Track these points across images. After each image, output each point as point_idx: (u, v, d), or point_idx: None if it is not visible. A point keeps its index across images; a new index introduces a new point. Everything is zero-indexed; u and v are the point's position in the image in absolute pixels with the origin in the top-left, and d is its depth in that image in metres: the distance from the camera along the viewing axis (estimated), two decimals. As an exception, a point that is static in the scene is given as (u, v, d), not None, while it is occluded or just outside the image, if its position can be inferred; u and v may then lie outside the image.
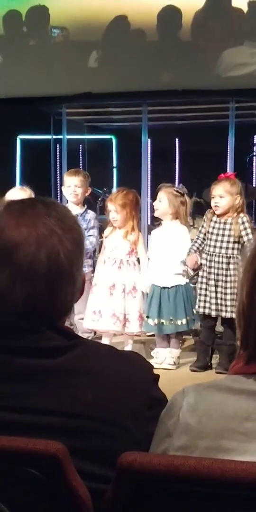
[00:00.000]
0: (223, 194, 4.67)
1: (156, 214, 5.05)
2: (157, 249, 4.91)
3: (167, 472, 1.04)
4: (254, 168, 7.56)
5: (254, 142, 7.44)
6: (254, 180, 7.55)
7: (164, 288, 4.82)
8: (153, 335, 5.11)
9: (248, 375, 1.19)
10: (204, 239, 4.80)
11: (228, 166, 6.52)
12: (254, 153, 7.31)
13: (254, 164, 7.53)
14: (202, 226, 4.85)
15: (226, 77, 6.18)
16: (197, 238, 4.85)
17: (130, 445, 1.11)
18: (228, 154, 6.57)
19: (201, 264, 4.79)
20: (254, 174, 7.57)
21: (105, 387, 1.25)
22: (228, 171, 6.09)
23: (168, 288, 4.81)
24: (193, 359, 4.85)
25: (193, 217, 6.19)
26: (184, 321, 4.78)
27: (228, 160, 6.57)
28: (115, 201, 4.89)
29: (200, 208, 6.23)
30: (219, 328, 4.89)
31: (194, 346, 5.11)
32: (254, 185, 7.30)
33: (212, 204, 4.74)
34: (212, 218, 4.76)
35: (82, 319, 4.97)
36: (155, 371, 1.37)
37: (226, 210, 4.69)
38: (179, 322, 4.78)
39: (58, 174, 7.46)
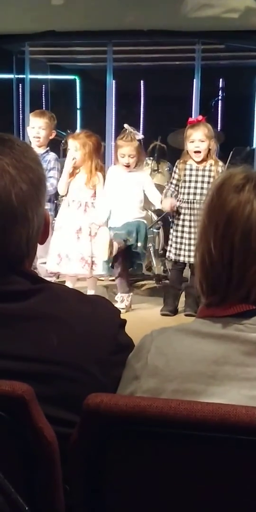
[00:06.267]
0: (203, 138, 4.59)
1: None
2: (119, 194, 4.86)
3: (134, 413, 1.04)
4: (219, 113, 7.53)
5: (220, 86, 7.39)
6: (219, 124, 7.53)
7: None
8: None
9: (215, 318, 1.19)
10: (175, 189, 4.75)
11: (193, 110, 6.46)
12: (220, 97, 7.27)
13: (219, 108, 7.50)
14: (173, 178, 4.78)
15: (192, 17, 6.07)
16: (169, 188, 4.79)
17: (95, 390, 1.10)
18: (194, 98, 6.52)
19: (177, 209, 4.72)
20: (219, 119, 7.54)
21: (70, 332, 1.22)
22: (193, 115, 6.05)
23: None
24: (159, 302, 4.85)
25: (157, 161, 6.15)
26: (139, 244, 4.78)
27: (193, 103, 6.52)
28: (76, 138, 4.84)
29: (164, 152, 6.19)
30: (185, 272, 4.91)
31: (153, 290, 5.09)
32: (219, 130, 7.27)
33: (192, 148, 4.62)
34: (185, 167, 4.68)
35: (44, 263, 4.93)
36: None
37: (205, 155, 4.62)
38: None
39: (20, 115, 7.30)
